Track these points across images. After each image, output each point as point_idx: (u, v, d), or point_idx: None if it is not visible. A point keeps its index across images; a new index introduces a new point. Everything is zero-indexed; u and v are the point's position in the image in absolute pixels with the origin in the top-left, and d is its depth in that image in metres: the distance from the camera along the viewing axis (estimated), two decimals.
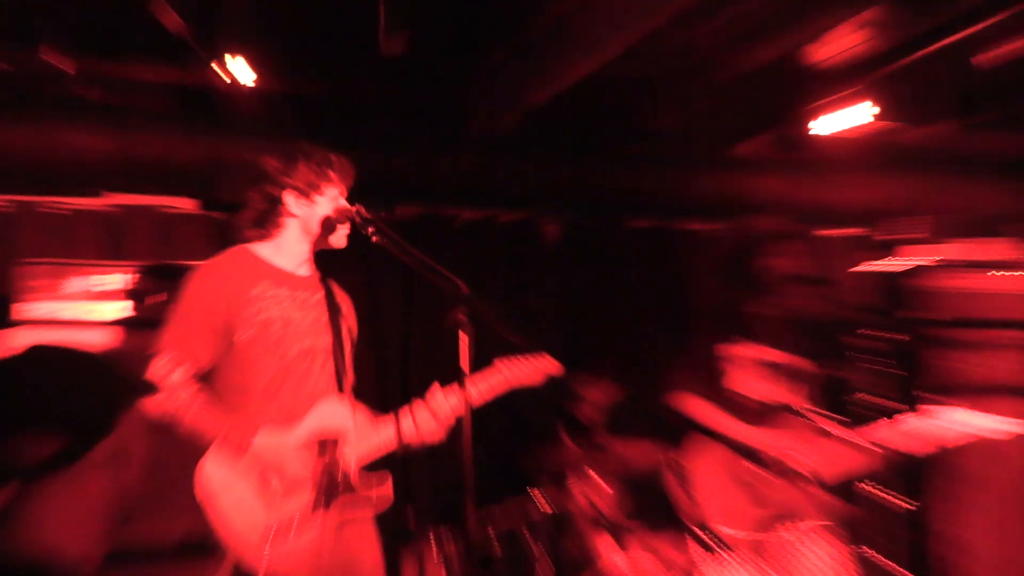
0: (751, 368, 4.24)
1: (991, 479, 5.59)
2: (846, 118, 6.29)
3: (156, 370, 3.22)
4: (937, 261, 6.10)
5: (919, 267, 5.94)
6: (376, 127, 5.91)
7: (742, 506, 4.07)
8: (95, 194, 5.58)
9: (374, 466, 3.41)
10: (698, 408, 4.18)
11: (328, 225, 3.40)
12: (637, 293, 6.71)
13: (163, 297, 4.56)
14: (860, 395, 4.25)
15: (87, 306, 4.61)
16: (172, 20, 4.72)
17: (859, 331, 4.51)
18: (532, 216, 6.52)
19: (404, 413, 3.40)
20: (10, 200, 5.42)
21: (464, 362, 3.23)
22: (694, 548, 4.25)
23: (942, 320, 5.73)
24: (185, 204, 5.78)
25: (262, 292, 3.32)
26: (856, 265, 6.69)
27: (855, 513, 4.22)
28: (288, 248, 3.43)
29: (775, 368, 4.25)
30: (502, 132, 6.06)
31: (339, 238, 3.43)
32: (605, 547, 5.26)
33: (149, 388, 3.06)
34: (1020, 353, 5.90)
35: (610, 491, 5.73)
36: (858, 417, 4.25)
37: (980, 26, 5.07)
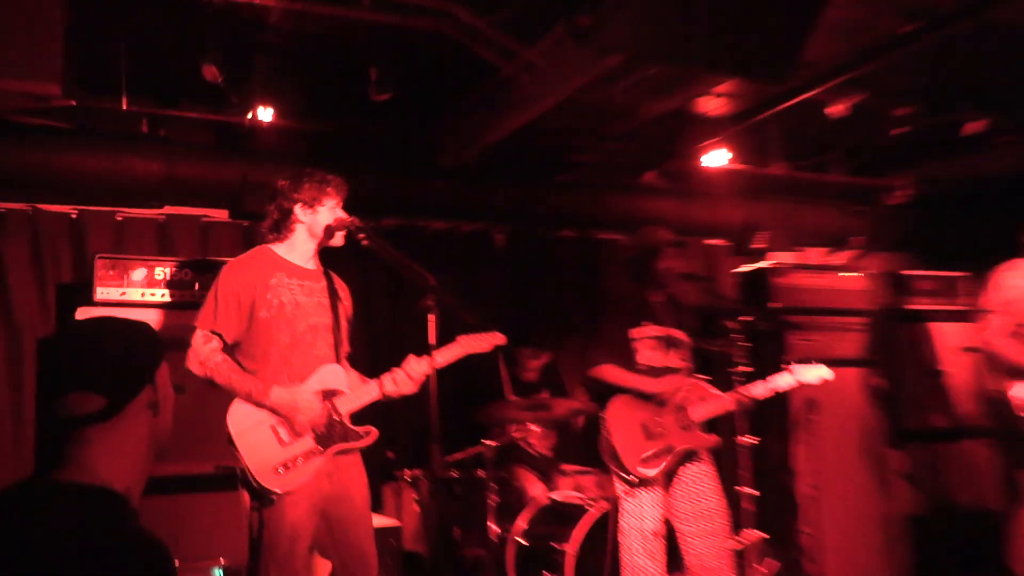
0: (652, 344, 4.26)
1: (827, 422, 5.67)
2: (720, 157, 6.38)
3: (197, 340, 3.23)
4: (792, 264, 6.17)
5: (779, 268, 5.98)
6: (367, 157, 5.90)
7: (644, 448, 4.08)
8: (152, 206, 5.54)
9: (363, 419, 3.42)
10: (613, 373, 4.19)
11: (329, 231, 3.41)
12: (566, 287, 6.73)
13: (200, 286, 4.54)
14: (736, 367, 4.29)
15: (146, 291, 4.59)
16: (211, 73, 4.70)
17: (734, 317, 4.54)
18: (486, 228, 6.52)
19: (386, 375, 3.42)
20: (91, 210, 5.40)
21: (432, 337, 3.26)
22: (615, 484, 4.25)
23: (796, 309, 5.79)
24: (219, 214, 5.76)
25: (278, 281, 3.33)
26: (731, 266, 6.76)
27: (719, 443, 4.26)
28: (298, 247, 3.43)
29: (670, 343, 4.29)
30: (465, 163, 6.06)
31: (337, 240, 3.45)
32: (534, 484, 5.28)
33: (191, 350, 3.05)
34: (854, 334, 5.99)
35: (546, 438, 5.77)
36: (734, 383, 4.29)
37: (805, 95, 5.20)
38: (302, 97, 5.40)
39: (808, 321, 5.75)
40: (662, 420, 4.13)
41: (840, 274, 6.18)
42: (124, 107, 4.95)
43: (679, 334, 4.30)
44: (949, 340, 6.06)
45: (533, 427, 5.33)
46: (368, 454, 3.48)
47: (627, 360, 4.19)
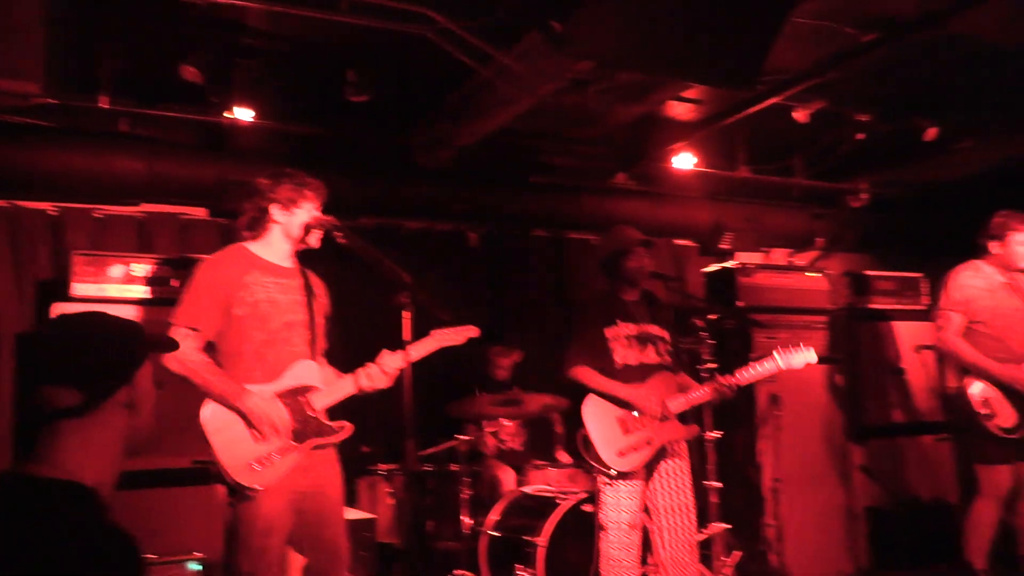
0: (627, 342, 4.24)
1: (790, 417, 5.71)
2: (688, 160, 6.40)
3: (174, 338, 3.19)
4: (758, 264, 6.20)
5: (745, 268, 6.01)
6: (345, 157, 5.86)
7: (622, 442, 4.08)
8: (131, 203, 5.47)
9: (338, 414, 3.39)
10: (588, 376, 4.16)
11: (306, 230, 3.37)
12: (538, 285, 6.71)
13: (178, 283, 4.49)
14: (704, 363, 4.30)
15: (124, 288, 4.55)
16: (191, 73, 4.66)
17: (702, 315, 4.56)
18: (461, 227, 6.49)
19: (361, 370, 3.39)
20: (70, 207, 5.31)
21: (407, 333, 3.25)
22: (593, 477, 4.24)
23: (761, 308, 5.83)
24: (198, 212, 5.69)
25: (253, 279, 3.28)
26: (699, 266, 6.79)
27: (698, 432, 4.26)
28: (274, 246, 3.38)
29: (646, 340, 4.28)
30: (440, 165, 6.04)
31: (314, 240, 3.41)
32: (512, 478, 5.28)
33: (166, 350, 3.02)
34: (816, 332, 6.03)
35: (518, 434, 5.76)
36: (703, 378, 4.30)
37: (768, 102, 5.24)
38: (281, 98, 5.35)
39: (772, 320, 5.79)
40: (640, 413, 4.12)
41: (804, 274, 6.24)
42: (105, 106, 4.87)
43: (655, 330, 4.29)
44: (908, 338, 6.13)
45: (505, 422, 5.32)
46: (343, 449, 3.45)
47: (604, 360, 4.18)
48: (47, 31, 3.82)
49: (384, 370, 3.36)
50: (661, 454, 4.17)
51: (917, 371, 6.07)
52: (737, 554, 4.69)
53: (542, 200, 6.49)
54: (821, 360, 5.89)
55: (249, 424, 3.14)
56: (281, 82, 5.22)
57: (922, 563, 5.28)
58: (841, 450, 5.92)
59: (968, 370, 4.66)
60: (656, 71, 4.76)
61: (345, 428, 3.35)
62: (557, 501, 4.62)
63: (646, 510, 4.23)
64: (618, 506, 4.10)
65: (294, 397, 3.25)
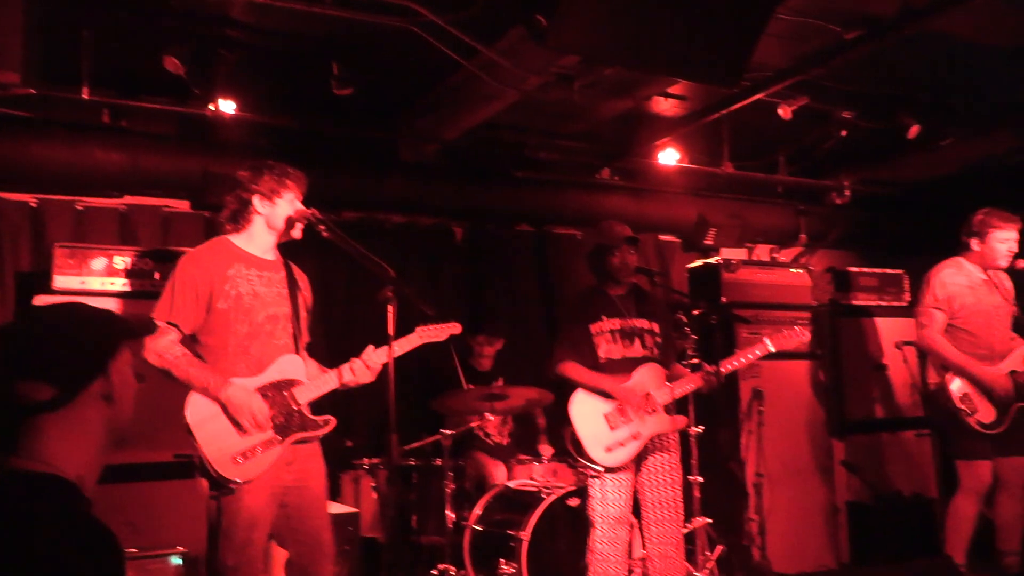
0: (612, 337, 4.23)
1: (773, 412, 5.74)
2: (672, 156, 6.42)
3: (155, 330, 3.16)
4: (741, 260, 6.22)
5: (728, 264, 6.03)
6: (328, 151, 5.83)
7: (609, 437, 4.08)
8: (113, 195, 5.43)
9: (322, 408, 3.37)
10: (576, 371, 4.15)
11: (289, 222, 3.35)
12: (522, 280, 6.71)
13: (161, 276, 4.47)
14: (688, 359, 4.31)
15: (106, 280, 4.51)
16: (173, 64, 4.62)
17: (685, 311, 4.57)
18: (444, 222, 6.48)
19: (345, 365, 3.38)
20: (51, 199, 5.27)
21: (391, 328, 3.24)
22: (578, 472, 4.24)
23: (745, 303, 5.84)
24: (181, 205, 5.64)
25: (236, 272, 3.25)
26: (683, 262, 6.81)
27: (687, 424, 4.28)
28: (256, 238, 3.35)
29: (631, 334, 4.27)
30: (424, 159, 6.04)
31: (296, 232, 3.38)
32: (498, 471, 5.28)
33: (144, 334, 2.99)
34: (796, 327, 6.05)
35: (503, 427, 5.77)
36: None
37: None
38: (265, 91, 5.32)
39: (755, 315, 5.80)
40: (627, 408, 4.11)
41: (787, 270, 6.26)
42: (86, 97, 4.83)
43: (642, 323, 4.28)
44: (890, 335, 6.17)
45: (490, 416, 5.32)
46: (327, 443, 3.44)
47: (588, 355, 4.18)
48: (27, 20, 3.78)
49: (368, 365, 3.35)
50: (649, 448, 4.17)
51: (898, 367, 6.11)
52: (720, 548, 4.71)
53: (526, 195, 6.48)
54: (803, 356, 5.95)
55: (230, 416, 3.12)
56: (265, 75, 5.19)
57: (902, 557, 5.31)
58: (823, 445, 5.95)
59: (947, 368, 4.70)
60: (641, 66, 4.77)
61: (329, 422, 3.33)
62: (541, 495, 4.63)
63: (635, 504, 4.25)
64: (605, 500, 4.09)
65: (278, 391, 3.23)
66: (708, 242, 6.74)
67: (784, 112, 5.47)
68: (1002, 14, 4.52)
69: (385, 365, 3.28)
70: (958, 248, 4.87)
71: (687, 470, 4.37)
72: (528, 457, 5.25)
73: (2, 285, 5.04)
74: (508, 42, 4.52)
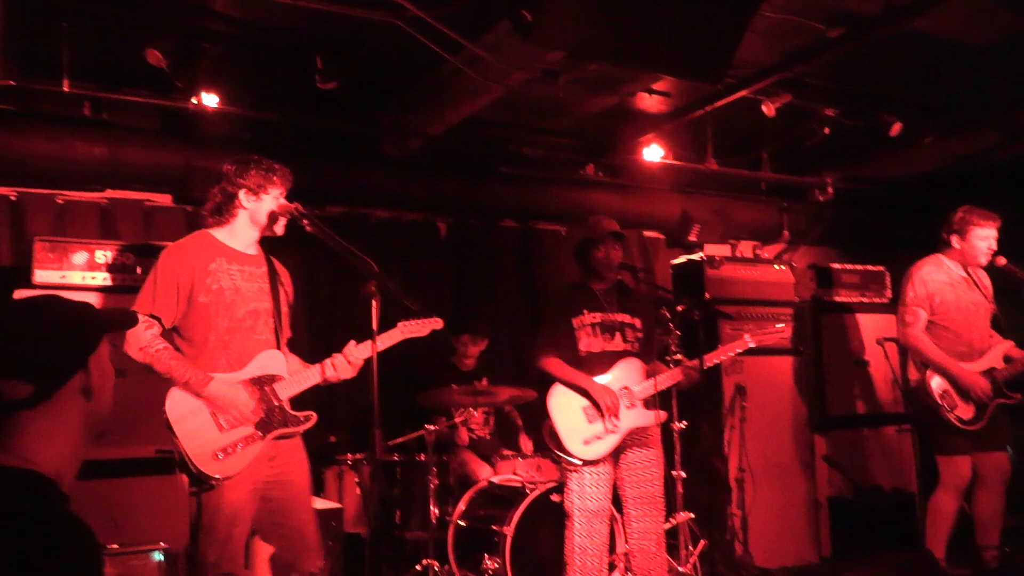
0: (592, 330, 4.23)
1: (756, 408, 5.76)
2: (657, 152, 6.43)
3: (133, 321, 3.14)
4: (725, 256, 6.23)
5: (712, 260, 6.04)
6: (312, 145, 5.80)
7: (587, 431, 4.09)
8: (94, 189, 5.37)
9: (305, 404, 3.35)
10: (557, 367, 4.15)
11: (272, 217, 3.33)
12: (507, 276, 6.70)
13: (142, 270, 4.43)
14: (671, 354, 4.32)
15: (87, 274, 4.47)
16: (155, 57, 4.59)
17: (670, 306, 4.57)
18: (428, 217, 6.46)
19: (327, 360, 3.36)
20: (31, 192, 5.22)
21: (374, 323, 3.23)
22: (560, 465, 4.24)
23: (728, 299, 5.85)
24: (163, 199, 5.60)
25: (218, 266, 3.23)
26: (667, 258, 6.82)
27: (666, 418, 4.29)
28: (239, 233, 3.33)
29: (613, 328, 4.27)
30: (409, 154, 6.01)
31: (279, 227, 3.36)
32: (481, 467, 5.27)
33: (125, 327, 2.96)
34: (776, 322, 6.08)
35: (486, 423, 5.76)
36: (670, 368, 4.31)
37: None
38: (248, 84, 5.28)
39: (739, 311, 5.83)
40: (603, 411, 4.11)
41: (770, 267, 6.29)
42: (66, 89, 4.78)
43: (624, 317, 4.28)
44: (871, 331, 6.20)
45: (474, 412, 5.32)
46: (310, 438, 3.43)
47: (569, 348, 4.18)
48: (5, 11, 3.74)
49: (350, 360, 3.34)
50: (629, 442, 4.17)
51: (880, 363, 6.14)
52: (702, 543, 4.73)
53: (511, 190, 6.46)
54: (786, 352, 5.98)
55: (214, 412, 3.10)
56: (248, 68, 5.15)
57: (883, 551, 5.35)
58: (805, 441, 5.98)
59: (927, 365, 4.73)
60: (626, 62, 4.76)
61: (311, 418, 3.32)
62: (525, 491, 4.63)
63: (617, 499, 4.25)
64: (584, 494, 4.10)
65: (259, 386, 3.21)
66: (692, 238, 6.77)
67: (768, 109, 5.48)
68: (983, 13, 4.55)
69: (368, 360, 3.27)
70: (939, 245, 4.90)
71: (671, 465, 4.38)
72: (511, 452, 5.25)
73: None
74: (493, 37, 4.51)
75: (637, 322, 4.31)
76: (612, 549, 4.39)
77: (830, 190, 7.23)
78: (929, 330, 4.76)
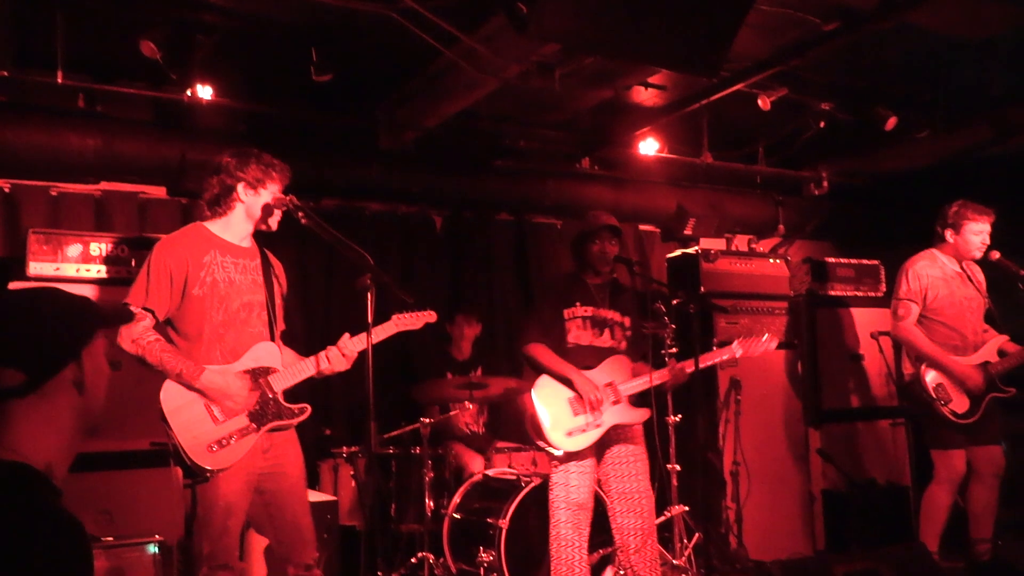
0: (582, 323, 4.24)
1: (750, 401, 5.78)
2: (652, 146, 6.42)
3: (129, 317, 3.13)
4: (720, 250, 6.24)
5: (708, 254, 6.05)
6: (307, 138, 5.78)
7: (570, 423, 4.09)
8: (88, 181, 5.35)
9: (301, 396, 3.35)
10: (544, 355, 4.18)
11: (267, 210, 3.32)
12: (502, 269, 6.69)
13: (137, 263, 4.42)
14: (667, 348, 4.32)
15: (81, 267, 4.46)
16: (149, 49, 4.57)
17: (665, 299, 4.58)
18: (424, 210, 6.44)
19: (321, 353, 3.35)
20: (25, 184, 5.20)
21: (370, 316, 3.23)
22: (544, 458, 4.25)
23: (723, 293, 5.86)
24: (157, 191, 5.57)
25: (212, 259, 3.22)
26: (663, 251, 6.82)
27: (649, 416, 4.30)
28: (234, 226, 3.31)
29: (603, 324, 4.28)
30: (404, 147, 6.00)
31: (274, 221, 3.35)
32: (475, 460, 5.28)
33: (121, 322, 2.95)
34: (777, 318, 6.09)
35: (480, 416, 5.76)
36: (665, 364, 4.32)
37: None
38: (243, 76, 5.26)
39: (734, 305, 5.84)
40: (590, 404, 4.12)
41: (765, 260, 6.29)
42: (60, 81, 4.75)
43: (614, 315, 4.30)
44: (866, 325, 6.21)
45: (468, 405, 5.32)
46: (305, 431, 3.43)
47: (557, 338, 4.19)
48: (0, 2, 3.72)
49: (344, 353, 3.34)
50: (613, 438, 4.19)
51: (874, 357, 6.15)
52: (697, 536, 4.74)
53: (506, 184, 6.45)
54: (781, 346, 5.99)
55: (208, 404, 3.10)
56: (243, 60, 5.13)
57: (876, 544, 5.37)
58: (800, 434, 5.99)
59: (921, 359, 4.75)
60: (621, 55, 4.75)
61: (305, 410, 3.31)
62: (520, 484, 4.63)
63: (603, 494, 4.26)
64: (567, 485, 4.12)
65: (253, 379, 3.21)
66: (687, 232, 6.76)
67: (763, 103, 5.48)
68: (977, 7, 4.55)
69: (363, 353, 3.27)
70: (933, 239, 4.91)
71: (666, 458, 4.39)
72: (507, 445, 5.26)
73: None
74: (489, 30, 4.49)
75: (627, 321, 4.33)
76: (605, 544, 4.39)
77: (825, 184, 7.23)
78: (923, 324, 4.77)
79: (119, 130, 5.17)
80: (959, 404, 4.65)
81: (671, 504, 4.44)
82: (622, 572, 4.20)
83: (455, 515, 4.79)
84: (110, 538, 3.86)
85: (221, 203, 3.30)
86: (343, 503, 4.91)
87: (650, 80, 5.63)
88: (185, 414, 3.06)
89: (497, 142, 6.42)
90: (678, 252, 6.23)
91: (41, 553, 1.36)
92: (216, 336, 3.18)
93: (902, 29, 4.71)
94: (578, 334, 4.22)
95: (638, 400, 4.23)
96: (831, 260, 6.40)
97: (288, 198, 3.31)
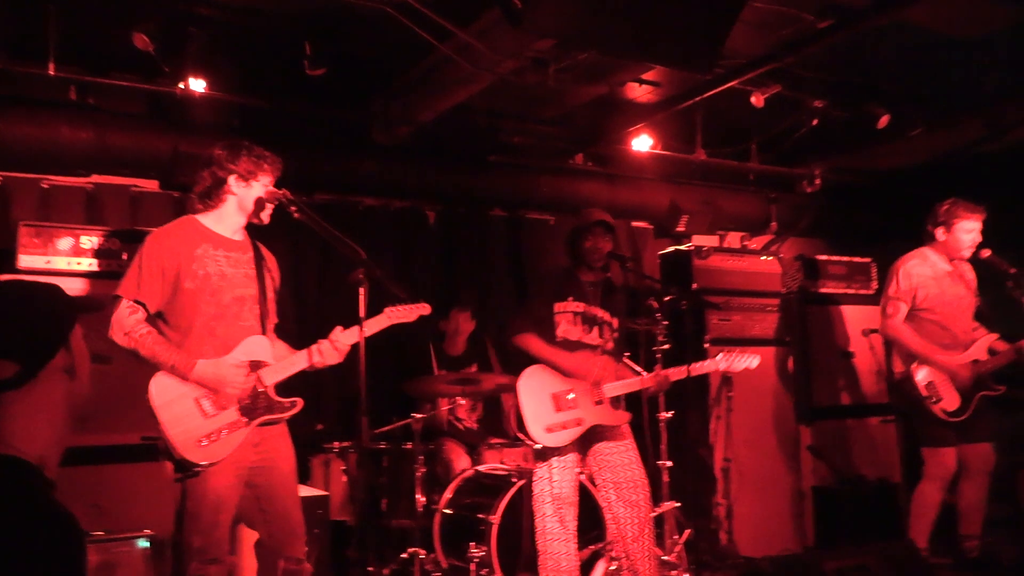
0: (572, 318, 4.25)
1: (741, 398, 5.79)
2: (646, 142, 6.42)
3: (121, 310, 3.12)
4: (713, 247, 6.25)
5: (700, 251, 6.05)
6: (300, 132, 5.76)
7: (552, 418, 4.10)
8: (80, 174, 5.32)
9: (292, 391, 3.33)
10: (534, 344, 4.18)
11: (260, 204, 3.30)
12: (495, 265, 6.69)
13: (128, 256, 4.41)
14: (658, 344, 4.33)
15: (72, 260, 4.44)
16: (142, 41, 4.55)
17: (657, 296, 4.58)
18: (417, 205, 6.43)
19: (313, 346, 3.35)
20: (15, 176, 5.16)
21: (362, 309, 3.22)
22: (530, 453, 4.27)
23: (716, 290, 5.87)
24: (149, 184, 5.54)
25: (203, 252, 3.20)
26: (655, 248, 6.82)
27: (629, 418, 4.31)
28: (226, 219, 3.30)
29: (592, 322, 4.29)
30: (397, 141, 5.98)
31: (265, 215, 3.34)
32: (460, 459, 5.27)
33: (114, 319, 2.93)
34: (768, 315, 6.11)
35: (473, 412, 5.76)
36: (657, 360, 4.33)
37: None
38: (236, 69, 5.24)
39: (726, 302, 5.85)
40: (575, 393, 4.15)
41: (757, 257, 6.30)
42: (52, 73, 4.72)
43: (604, 314, 4.31)
44: (857, 322, 6.23)
45: (461, 401, 5.32)
46: (297, 426, 3.42)
47: (546, 331, 4.21)
48: None
49: (336, 346, 3.32)
50: (596, 436, 4.22)
51: (865, 355, 6.18)
52: (688, 532, 4.75)
53: (500, 179, 6.44)
54: (772, 343, 6.01)
55: (198, 398, 3.08)
56: (236, 54, 5.11)
57: (866, 541, 5.39)
58: (790, 431, 6.00)
59: (912, 357, 4.76)
60: (616, 51, 4.75)
61: (296, 404, 3.30)
62: (512, 479, 4.64)
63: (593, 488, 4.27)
64: (550, 480, 4.14)
65: (245, 373, 3.20)
66: (680, 229, 6.77)
67: (757, 100, 5.48)
68: (971, 5, 4.56)
69: (355, 347, 3.26)
70: (924, 238, 4.92)
71: (657, 455, 4.40)
72: (499, 441, 5.26)
73: None
74: (483, 24, 4.48)
75: (615, 322, 4.35)
76: (596, 539, 4.40)
77: (818, 181, 7.24)
78: (914, 323, 4.79)
79: (111, 123, 5.15)
80: (950, 402, 4.66)
81: (662, 500, 4.45)
82: (617, 562, 4.21)
83: (446, 510, 4.79)
84: (100, 532, 3.86)
85: (212, 195, 3.28)
86: (334, 498, 4.90)
87: (644, 76, 5.64)
88: (175, 408, 3.05)
89: (491, 137, 6.41)
90: (671, 248, 6.24)
91: (36, 546, 1.36)
92: (207, 329, 3.17)
93: (895, 26, 4.71)
94: (567, 328, 4.24)
95: (618, 402, 4.25)
96: (823, 258, 6.41)
97: (281, 192, 3.30)
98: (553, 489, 4.13)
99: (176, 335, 3.16)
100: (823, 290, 6.28)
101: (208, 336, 3.17)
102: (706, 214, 6.84)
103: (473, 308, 5.85)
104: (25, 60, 4.74)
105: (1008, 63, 5.39)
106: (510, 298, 6.60)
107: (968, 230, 4.78)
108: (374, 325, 3.40)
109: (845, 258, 6.47)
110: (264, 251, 3.44)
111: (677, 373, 4.26)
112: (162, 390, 3.06)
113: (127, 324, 3.06)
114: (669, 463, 4.43)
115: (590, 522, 4.31)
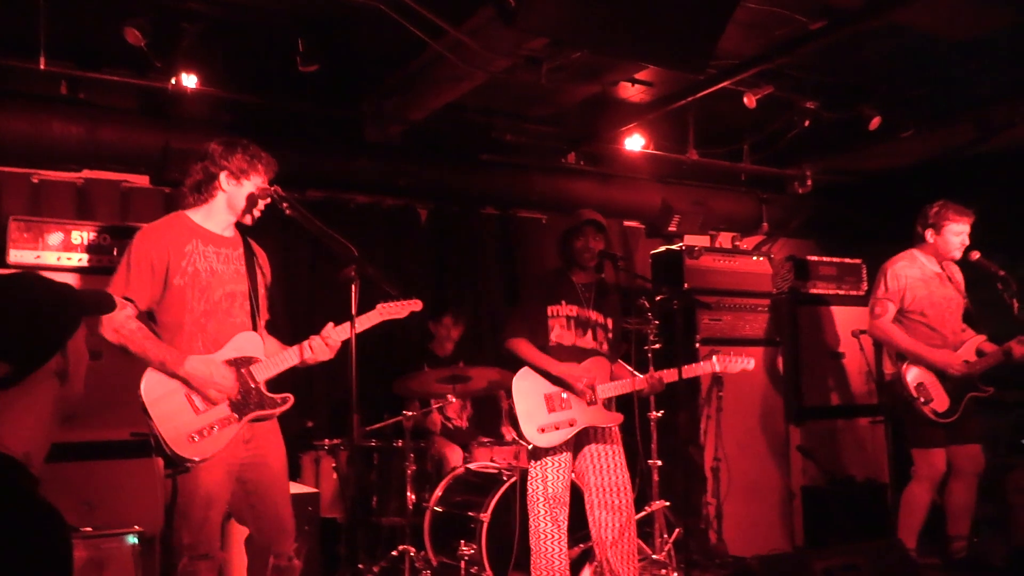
0: (566, 322, 4.25)
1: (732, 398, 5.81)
2: (638, 142, 6.43)
3: (112, 306, 3.10)
4: (704, 247, 6.25)
5: (692, 250, 6.06)
6: (292, 129, 5.75)
7: (544, 419, 4.10)
8: (71, 169, 5.30)
9: (283, 388, 3.33)
10: (526, 349, 4.18)
11: (251, 200, 3.28)
12: (486, 263, 6.69)
13: (119, 251, 4.39)
14: (649, 344, 4.34)
15: (62, 255, 4.43)
16: (134, 36, 4.53)
17: (649, 295, 4.59)
18: (409, 203, 6.43)
19: (305, 342, 3.34)
20: (5, 171, 5.13)
21: (354, 306, 3.22)
22: (521, 452, 4.27)
23: (707, 290, 5.88)
24: (140, 180, 5.52)
25: (193, 248, 3.19)
26: (647, 248, 6.83)
27: (621, 420, 4.31)
28: (216, 215, 3.28)
29: (586, 324, 4.28)
30: (390, 139, 5.98)
31: (256, 212, 3.32)
32: (457, 454, 5.28)
33: (105, 311, 2.91)
34: (759, 315, 6.12)
35: (463, 410, 5.77)
36: (648, 362, 4.34)
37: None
38: (228, 65, 5.22)
39: (717, 302, 5.86)
40: (568, 394, 4.15)
41: (748, 258, 6.31)
42: (43, 67, 4.70)
43: (597, 316, 4.30)
44: (847, 323, 6.25)
45: (451, 399, 5.32)
46: (287, 423, 3.41)
47: (540, 336, 4.20)
48: None
49: (328, 343, 3.31)
50: (587, 437, 4.22)
51: (855, 355, 6.19)
52: (677, 531, 4.76)
53: (492, 178, 6.44)
54: (763, 343, 6.02)
55: (189, 394, 3.08)
56: (228, 49, 5.09)
57: (855, 540, 5.41)
58: (780, 431, 6.02)
59: (904, 356, 4.78)
60: (608, 50, 4.76)
61: (287, 400, 3.29)
62: (502, 478, 4.64)
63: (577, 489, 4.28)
64: (544, 479, 4.14)
65: (236, 368, 3.19)
66: (672, 228, 6.79)
67: (749, 100, 5.49)
68: (963, 7, 4.58)
69: (346, 344, 3.25)
70: (913, 239, 4.94)
71: (647, 454, 4.41)
72: (489, 439, 5.26)
73: None
74: (476, 23, 4.48)
75: (609, 323, 4.35)
76: (585, 538, 4.41)
77: (809, 182, 7.27)
78: (903, 324, 4.80)
79: (102, 118, 5.13)
80: (940, 403, 4.68)
81: (652, 499, 4.45)
82: (599, 567, 4.21)
83: (436, 508, 4.79)
84: (89, 528, 3.84)
85: (202, 190, 3.27)
86: (325, 495, 4.90)
87: (637, 76, 5.65)
88: (166, 404, 3.04)
89: (483, 136, 6.41)
90: (662, 248, 6.24)
91: (21, 541, 1.35)
92: (198, 326, 3.16)
93: (887, 28, 4.73)
94: (561, 333, 4.23)
95: (611, 403, 4.26)
96: (813, 258, 6.43)
97: (273, 188, 3.28)
98: (547, 489, 4.13)
99: (166, 332, 3.15)
100: (813, 291, 6.31)
101: (198, 332, 3.15)
102: (698, 214, 6.85)
103: (465, 317, 5.86)
104: (16, 54, 4.70)
105: (999, 65, 5.41)
106: (502, 296, 6.60)
107: (957, 232, 4.79)
108: (366, 321, 3.40)
109: (836, 259, 6.49)
110: (255, 247, 3.43)
111: (670, 375, 4.26)
112: (153, 386, 3.05)
113: (116, 320, 3.05)
114: (659, 462, 4.43)
115: (580, 521, 4.31)
